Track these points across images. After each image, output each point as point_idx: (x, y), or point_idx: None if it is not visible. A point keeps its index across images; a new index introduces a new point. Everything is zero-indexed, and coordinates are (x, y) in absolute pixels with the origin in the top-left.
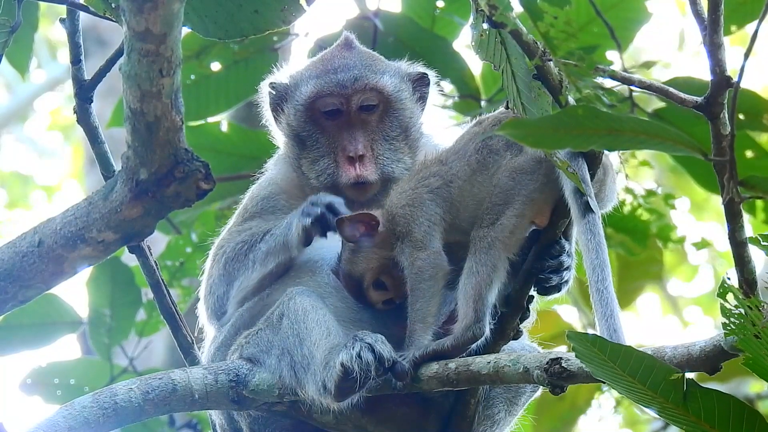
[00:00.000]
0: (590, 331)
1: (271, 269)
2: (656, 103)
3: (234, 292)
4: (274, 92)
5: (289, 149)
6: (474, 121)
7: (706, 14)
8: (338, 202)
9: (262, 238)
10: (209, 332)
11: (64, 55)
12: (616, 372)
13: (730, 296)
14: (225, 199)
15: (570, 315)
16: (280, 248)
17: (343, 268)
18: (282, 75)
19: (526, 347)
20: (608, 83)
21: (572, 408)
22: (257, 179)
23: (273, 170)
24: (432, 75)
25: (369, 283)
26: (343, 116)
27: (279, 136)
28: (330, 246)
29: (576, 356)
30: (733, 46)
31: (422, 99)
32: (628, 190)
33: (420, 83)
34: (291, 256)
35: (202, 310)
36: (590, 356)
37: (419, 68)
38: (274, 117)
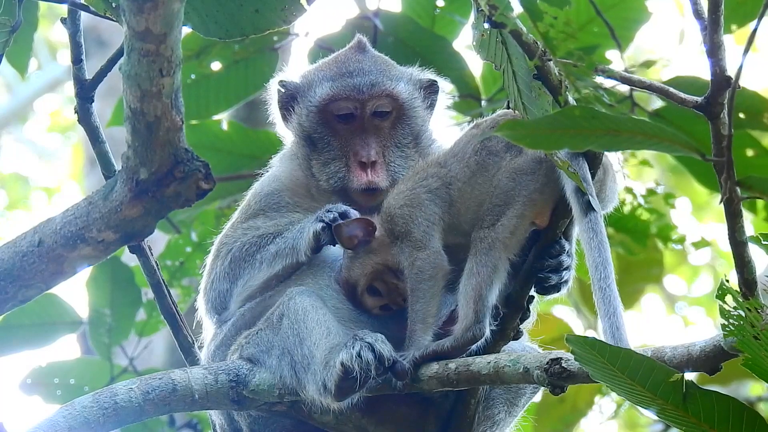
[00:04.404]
0: (591, 334)
1: (278, 271)
2: (657, 102)
3: (238, 289)
4: (283, 90)
5: (298, 149)
6: (472, 124)
7: (706, 14)
8: (353, 212)
9: (273, 240)
10: (208, 327)
11: (64, 56)
12: (616, 374)
13: (728, 298)
14: (225, 199)
15: (570, 317)
16: (289, 251)
17: (341, 273)
18: (292, 74)
19: (527, 348)
20: (608, 83)
21: (573, 410)
22: (261, 176)
23: (278, 167)
24: (442, 82)
25: (363, 289)
26: (356, 121)
27: (287, 135)
28: (334, 250)
29: (575, 359)
30: (739, 45)
31: (431, 106)
32: (628, 190)
33: (430, 90)
34: (299, 260)
35: (201, 303)
36: (589, 359)
37: (429, 75)
38: (283, 115)
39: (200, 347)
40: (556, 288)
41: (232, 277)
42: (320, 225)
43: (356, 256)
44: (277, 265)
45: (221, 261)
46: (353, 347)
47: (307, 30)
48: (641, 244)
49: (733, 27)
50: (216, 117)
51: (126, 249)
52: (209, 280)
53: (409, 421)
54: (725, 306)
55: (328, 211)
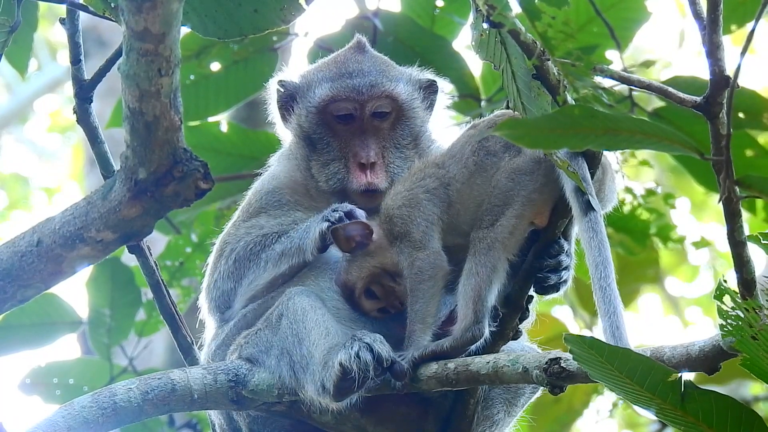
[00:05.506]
0: (587, 334)
1: (284, 271)
2: (656, 103)
3: (243, 289)
4: (283, 90)
5: (297, 149)
6: (469, 125)
7: (705, 14)
8: (360, 212)
9: (278, 239)
10: (209, 326)
11: (64, 57)
12: (614, 374)
13: (726, 298)
14: (224, 199)
15: (568, 318)
16: (295, 251)
17: (340, 276)
18: (292, 74)
19: (526, 347)
20: (607, 83)
21: (569, 410)
22: (260, 176)
23: (276, 167)
24: (441, 82)
25: (360, 292)
26: (355, 122)
27: (286, 135)
28: (337, 251)
29: (573, 359)
30: (735, 45)
31: (431, 106)
32: (628, 190)
33: (429, 90)
34: (305, 260)
35: (203, 302)
36: (588, 358)
37: (429, 75)
38: (282, 115)
39: (201, 346)
40: (555, 288)
41: (237, 276)
42: (326, 224)
43: (354, 259)
44: (283, 265)
45: (225, 260)
46: (351, 348)
47: (307, 30)
48: (641, 244)
49: (733, 27)
50: (215, 118)
51: (126, 249)
52: (212, 279)
53: (409, 421)
54: (723, 306)
55: (334, 210)
